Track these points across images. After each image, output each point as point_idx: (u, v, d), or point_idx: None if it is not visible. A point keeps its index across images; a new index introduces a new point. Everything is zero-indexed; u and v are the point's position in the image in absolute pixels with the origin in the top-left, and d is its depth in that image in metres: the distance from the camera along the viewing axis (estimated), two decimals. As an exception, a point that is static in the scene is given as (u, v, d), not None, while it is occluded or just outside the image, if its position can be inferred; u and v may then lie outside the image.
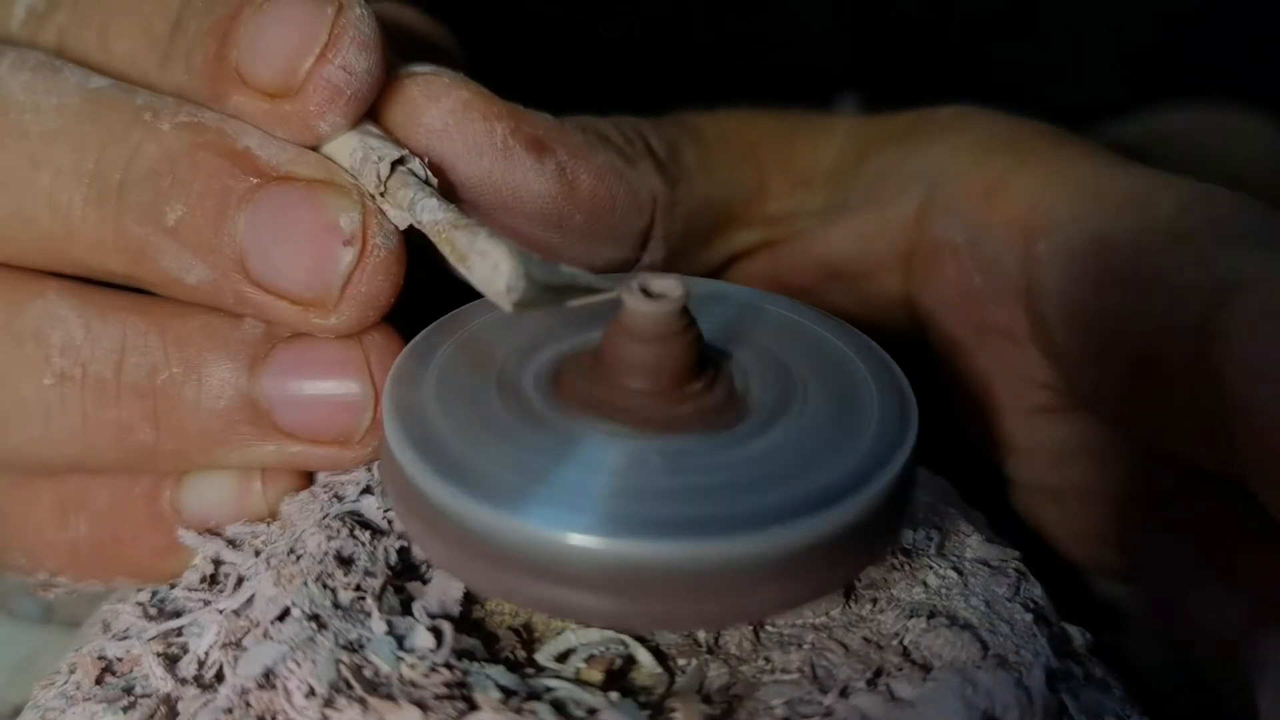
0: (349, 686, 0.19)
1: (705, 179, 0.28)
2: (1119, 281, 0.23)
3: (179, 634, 0.22)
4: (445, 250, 0.21)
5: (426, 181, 0.22)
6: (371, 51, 0.22)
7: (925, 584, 0.22)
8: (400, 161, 0.22)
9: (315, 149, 0.23)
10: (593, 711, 0.19)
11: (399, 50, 0.24)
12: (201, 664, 0.21)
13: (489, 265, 0.19)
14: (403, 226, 0.22)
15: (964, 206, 0.28)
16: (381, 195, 0.22)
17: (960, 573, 0.23)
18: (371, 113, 0.23)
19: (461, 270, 0.20)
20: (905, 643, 0.21)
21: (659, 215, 0.27)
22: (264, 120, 0.22)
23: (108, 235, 0.22)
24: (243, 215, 0.21)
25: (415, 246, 0.23)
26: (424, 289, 0.27)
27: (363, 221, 0.22)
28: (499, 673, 0.19)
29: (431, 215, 0.21)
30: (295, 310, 0.22)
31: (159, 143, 0.22)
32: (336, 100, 0.22)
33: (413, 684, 0.19)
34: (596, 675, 0.20)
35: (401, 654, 0.19)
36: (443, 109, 0.23)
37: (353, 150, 0.22)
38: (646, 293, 0.20)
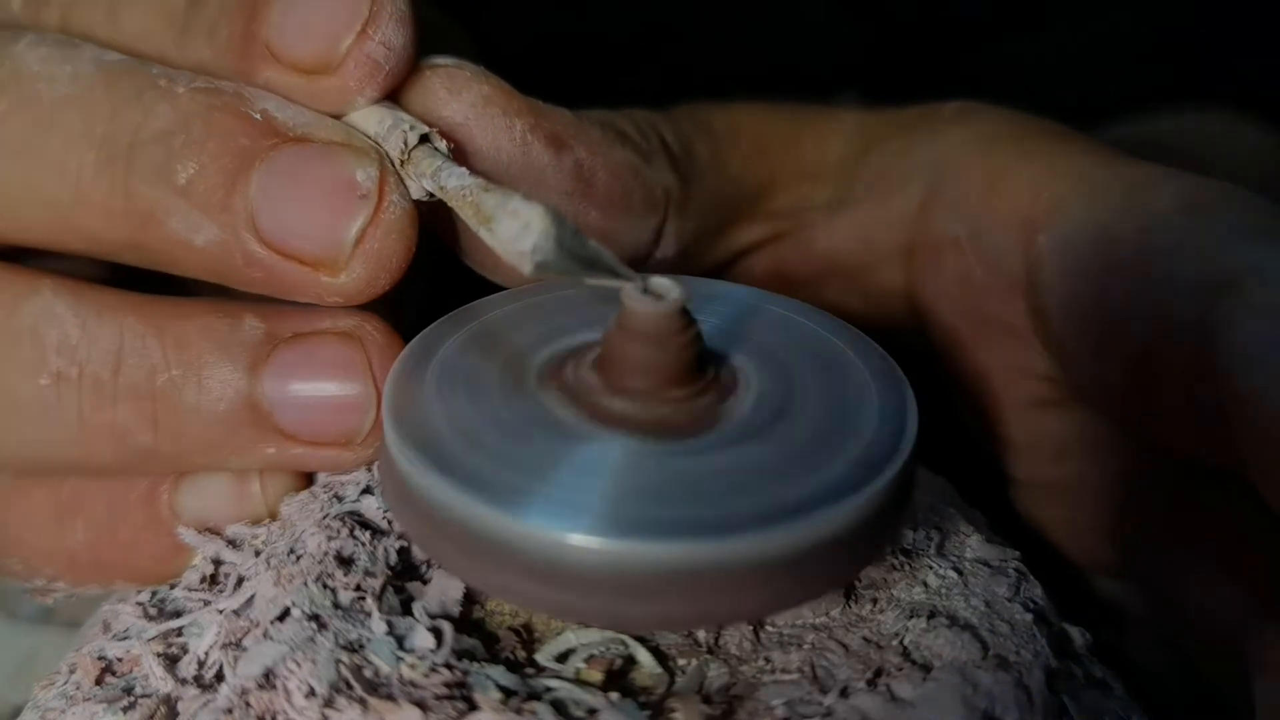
0: (349, 687, 0.19)
1: (717, 175, 0.28)
2: (1119, 274, 0.23)
3: (179, 634, 0.22)
4: (468, 213, 0.21)
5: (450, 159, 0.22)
6: (408, 27, 0.22)
7: (925, 584, 0.22)
8: (426, 138, 0.22)
9: (337, 117, 0.23)
10: (593, 712, 0.19)
11: (430, 34, 0.24)
12: (201, 664, 0.21)
13: (519, 224, 0.19)
14: (419, 196, 0.22)
15: (966, 200, 0.28)
16: (403, 164, 0.22)
17: (960, 573, 0.23)
18: (393, 97, 0.23)
19: (482, 233, 0.20)
20: (905, 643, 0.21)
21: (672, 212, 0.27)
22: (297, 95, 0.22)
23: (116, 199, 0.21)
24: (256, 173, 0.21)
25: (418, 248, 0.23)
26: (423, 291, 0.27)
27: (380, 177, 0.21)
28: (499, 673, 0.19)
29: (459, 180, 0.21)
30: (304, 271, 0.21)
31: (173, 104, 0.21)
32: (375, 76, 0.22)
33: (413, 684, 0.19)
34: (596, 675, 0.20)
35: (401, 654, 0.19)
36: (463, 103, 0.23)
37: (381, 119, 0.22)
38: (646, 293, 0.20)
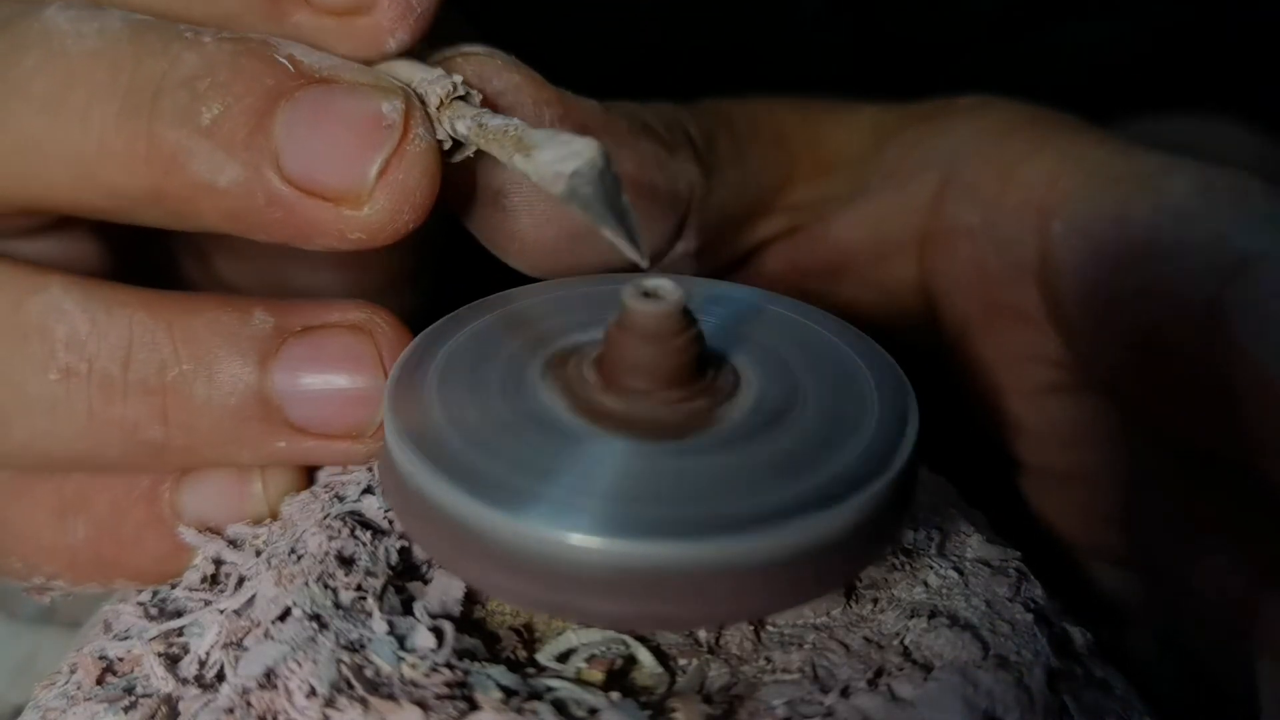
0: (350, 686, 0.19)
1: (738, 169, 0.29)
2: (1131, 256, 0.24)
3: (180, 634, 0.22)
4: (506, 146, 0.20)
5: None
6: None
7: (926, 584, 0.22)
8: (467, 97, 0.23)
9: (370, 65, 0.23)
10: (594, 711, 0.19)
11: (445, 31, 0.24)
12: (202, 664, 0.21)
13: (567, 151, 0.19)
14: (446, 141, 0.22)
15: (980, 188, 0.28)
16: (440, 107, 0.22)
17: (961, 573, 0.23)
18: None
19: (518, 160, 0.20)
20: (906, 643, 0.21)
21: (695, 205, 0.27)
22: (329, 36, 0.22)
23: (139, 144, 0.21)
24: (281, 110, 0.21)
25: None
26: (429, 286, 0.27)
27: (405, 110, 0.21)
28: (500, 673, 0.19)
29: (503, 120, 0.21)
30: (326, 207, 0.21)
31: (199, 52, 0.21)
32: (407, 17, 0.22)
33: (414, 684, 0.19)
34: (597, 675, 0.20)
35: (403, 654, 0.19)
36: (494, 90, 0.24)
37: (426, 70, 0.23)
38: (647, 293, 0.20)
